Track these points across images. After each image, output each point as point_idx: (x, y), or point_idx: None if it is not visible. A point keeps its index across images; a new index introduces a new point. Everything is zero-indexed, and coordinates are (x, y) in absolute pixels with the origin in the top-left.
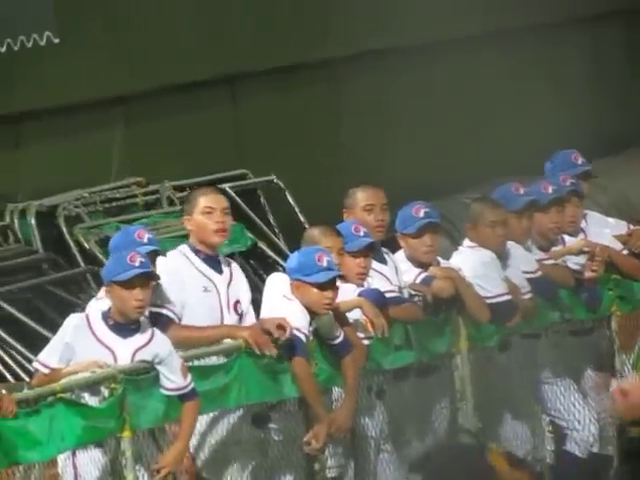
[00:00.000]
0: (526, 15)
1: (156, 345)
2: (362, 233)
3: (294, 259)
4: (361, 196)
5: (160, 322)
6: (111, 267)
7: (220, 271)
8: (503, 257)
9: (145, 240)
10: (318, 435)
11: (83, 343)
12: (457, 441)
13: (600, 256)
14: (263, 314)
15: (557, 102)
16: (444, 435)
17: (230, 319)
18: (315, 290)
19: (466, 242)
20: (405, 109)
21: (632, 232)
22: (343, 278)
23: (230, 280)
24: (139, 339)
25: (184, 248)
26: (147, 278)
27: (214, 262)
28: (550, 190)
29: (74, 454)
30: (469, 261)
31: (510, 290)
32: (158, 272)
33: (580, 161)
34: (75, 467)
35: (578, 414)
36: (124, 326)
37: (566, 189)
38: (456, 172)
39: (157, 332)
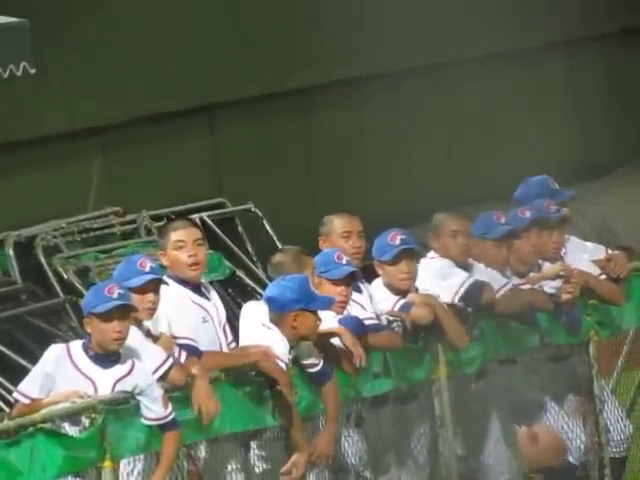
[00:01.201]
0: (504, 40)
1: (137, 376)
2: (344, 261)
3: (288, 290)
4: (338, 223)
5: (191, 353)
6: (90, 299)
7: (208, 298)
8: (467, 269)
9: (147, 269)
10: (297, 464)
11: (64, 373)
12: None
13: (576, 279)
14: (242, 342)
15: (538, 129)
16: (423, 462)
17: (224, 345)
18: (312, 318)
19: (429, 254)
20: (380, 137)
21: (611, 257)
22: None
23: (215, 304)
24: (120, 370)
25: (169, 281)
26: (126, 310)
27: (200, 291)
28: (528, 214)
29: None
30: (428, 269)
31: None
32: (163, 302)
33: (556, 187)
34: None
35: (567, 435)
36: (104, 357)
37: (553, 215)
38: (433, 199)
39: (137, 363)
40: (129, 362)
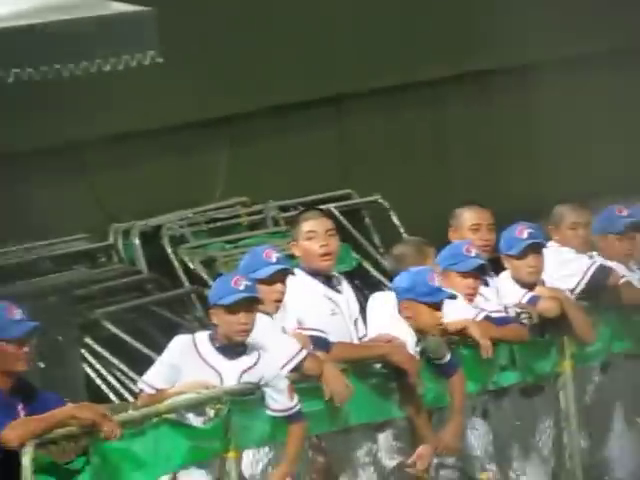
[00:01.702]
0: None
1: (262, 367)
2: (473, 253)
3: (405, 278)
4: (468, 216)
5: (319, 344)
6: (216, 290)
7: (339, 291)
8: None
9: (274, 259)
10: (423, 455)
11: (189, 364)
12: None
13: None
14: (370, 333)
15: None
16: (548, 455)
17: (355, 338)
18: (427, 310)
19: (549, 244)
20: (513, 128)
21: None
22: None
23: (347, 298)
24: (246, 361)
25: (300, 273)
26: (252, 302)
27: (331, 283)
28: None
29: (174, 478)
30: (550, 260)
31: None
32: (290, 293)
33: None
34: None
35: None
36: (230, 348)
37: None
38: (564, 189)
39: (264, 354)
40: (255, 353)
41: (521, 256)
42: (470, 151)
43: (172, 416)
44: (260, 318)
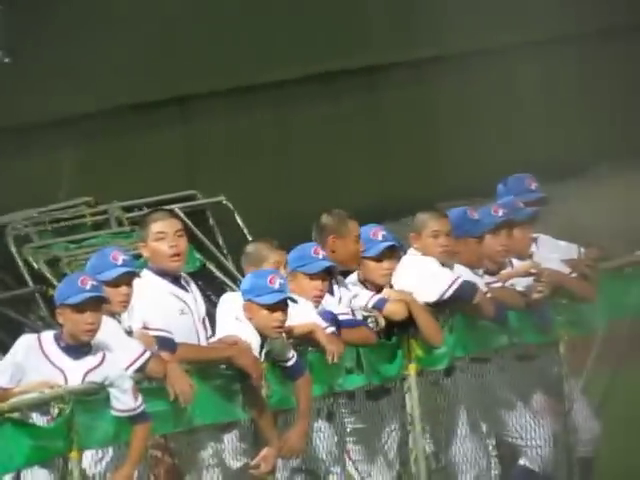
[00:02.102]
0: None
1: (107, 367)
2: (321, 256)
3: (247, 280)
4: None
5: (165, 345)
6: (63, 290)
7: (187, 290)
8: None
9: (120, 262)
10: (267, 458)
11: (34, 364)
12: None
13: (546, 278)
14: (218, 334)
15: (505, 128)
16: (393, 458)
17: (203, 337)
18: (265, 312)
19: (409, 251)
20: (354, 131)
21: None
22: (294, 300)
23: (194, 297)
24: (90, 361)
25: (147, 273)
26: (98, 302)
27: (179, 283)
28: (500, 213)
29: (18, 477)
30: (414, 268)
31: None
32: (136, 294)
33: (533, 186)
34: None
35: (535, 433)
36: (76, 348)
37: (519, 213)
38: (406, 196)
39: (108, 354)
40: (100, 353)
41: (378, 258)
42: (313, 152)
43: (15, 415)
44: (105, 320)
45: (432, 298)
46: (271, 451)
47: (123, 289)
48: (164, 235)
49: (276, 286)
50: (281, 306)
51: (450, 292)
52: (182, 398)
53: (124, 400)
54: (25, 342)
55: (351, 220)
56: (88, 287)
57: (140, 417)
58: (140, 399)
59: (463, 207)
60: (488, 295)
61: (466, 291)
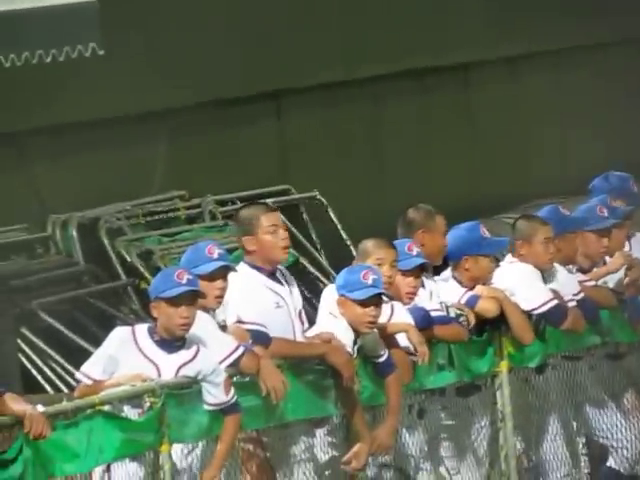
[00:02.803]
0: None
1: (200, 361)
2: (415, 252)
3: (341, 276)
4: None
5: (260, 339)
6: (158, 283)
7: (282, 283)
8: (547, 277)
9: (216, 255)
10: (359, 454)
11: (127, 356)
12: None
13: (637, 265)
14: (313, 330)
15: (597, 127)
16: (483, 455)
17: (299, 331)
18: (358, 307)
19: (508, 258)
20: (450, 128)
21: None
22: (390, 297)
23: (290, 291)
24: (184, 355)
25: (244, 267)
26: (194, 296)
27: (275, 276)
28: (606, 214)
29: (108, 469)
30: (511, 275)
31: (555, 296)
32: (231, 288)
33: (636, 189)
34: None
35: (623, 432)
36: (169, 342)
37: (617, 212)
38: (498, 192)
39: (202, 349)
40: (194, 348)
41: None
42: (407, 148)
43: (107, 408)
44: (199, 314)
45: (524, 308)
46: (363, 447)
47: (219, 283)
48: (275, 228)
49: (369, 281)
50: (374, 301)
51: (542, 310)
52: (274, 394)
53: (216, 394)
54: (119, 335)
55: (438, 215)
56: (184, 281)
57: (232, 409)
58: (232, 393)
59: (553, 205)
60: (577, 310)
61: (556, 315)
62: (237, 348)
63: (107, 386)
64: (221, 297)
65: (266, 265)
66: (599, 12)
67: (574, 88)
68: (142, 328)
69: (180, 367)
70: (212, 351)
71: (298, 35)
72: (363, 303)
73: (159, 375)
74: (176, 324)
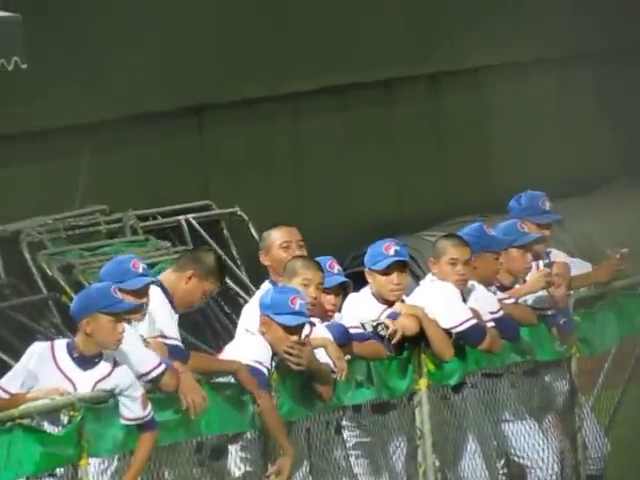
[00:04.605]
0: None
1: (117, 377)
2: (336, 270)
3: (268, 295)
4: (276, 235)
5: (178, 354)
6: (100, 298)
7: None
8: (465, 295)
9: (141, 270)
10: (282, 468)
11: (45, 372)
12: None
13: (560, 272)
14: (231, 345)
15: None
16: (401, 472)
17: None
18: (281, 331)
19: (428, 277)
20: (372, 145)
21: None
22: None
23: None
24: (101, 370)
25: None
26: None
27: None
28: (526, 229)
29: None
30: (431, 294)
31: (474, 315)
32: (153, 303)
33: (547, 206)
34: None
35: (541, 453)
36: (88, 359)
37: (525, 238)
38: (421, 210)
39: (118, 364)
40: (110, 363)
41: (385, 272)
42: (327, 165)
43: (26, 421)
44: (126, 328)
45: (442, 326)
46: (286, 460)
47: (145, 299)
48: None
49: (297, 307)
50: (298, 329)
51: (460, 329)
52: (193, 409)
53: (133, 408)
54: (37, 350)
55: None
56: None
57: (148, 425)
58: (149, 407)
59: (478, 223)
60: (494, 331)
61: (474, 335)
62: (159, 365)
63: (26, 399)
64: (144, 312)
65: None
66: (517, 31)
67: (496, 104)
68: (61, 344)
69: (96, 382)
70: (133, 364)
71: (220, 50)
72: (287, 328)
73: (75, 391)
74: (116, 339)
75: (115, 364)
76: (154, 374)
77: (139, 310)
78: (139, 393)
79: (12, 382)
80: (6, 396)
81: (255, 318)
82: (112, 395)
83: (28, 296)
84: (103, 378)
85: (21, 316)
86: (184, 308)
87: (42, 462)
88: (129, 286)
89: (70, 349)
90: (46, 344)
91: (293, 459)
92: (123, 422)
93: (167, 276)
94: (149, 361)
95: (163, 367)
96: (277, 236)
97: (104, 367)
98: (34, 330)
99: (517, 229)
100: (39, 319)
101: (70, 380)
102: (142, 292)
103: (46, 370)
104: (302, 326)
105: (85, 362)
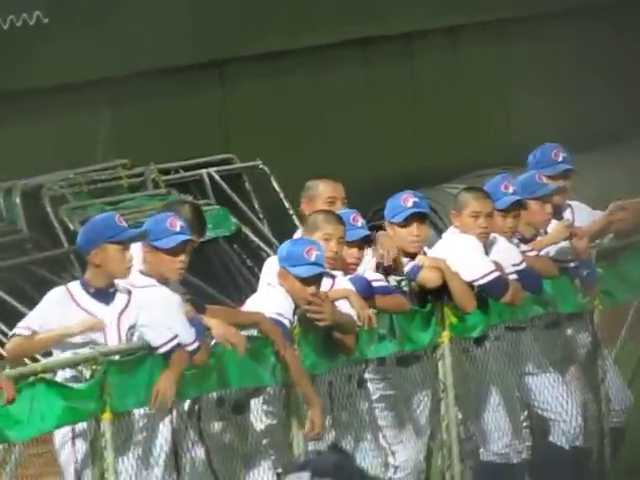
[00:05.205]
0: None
1: (136, 303)
2: (360, 224)
3: (285, 247)
4: (323, 188)
5: (199, 306)
6: (106, 229)
7: None
8: (487, 248)
9: (178, 229)
10: (315, 421)
11: (68, 314)
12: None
13: (583, 231)
14: (253, 299)
15: (546, 95)
16: (424, 425)
17: None
18: (298, 283)
19: (450, 229)
20: (391, 98)
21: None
22: (331, 274)
23: None
24: (120, 302)
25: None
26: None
27: None
28: (545, 180)
29: (74, 430)
30: (453, 246)
31: (497, 268)
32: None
33: (561, 157)
34: (74, 444)
35: (565, 405)
36: (104, 292)
37: (542, 189)
38: (442, 162)
39: (133, 292)
40: (125, 294)
41: (405, 224)
42: (348, 118)
43: (48, 375)
44: (157, 291)
45: (464, 279)
46: (316, 412)
47: (182, 257)
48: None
49: (312, 258)
50: (315, 280)
51: (482, 281)
52: (240, 349)
53: (158, 334)
54: (55, 295)
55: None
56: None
57: (178, 347)
58: (174, 331)
59: (498, 178)
60: (517, 284)
61: (496, 287)
62: (194, 341)
63: (63, 334)
64: (183, 270)
65: None
66: None
67: (518, 58)
68: (75, 284)
69: (120, 315)
70: (158, 329)
71: (242, 2)
72: (303, 280)
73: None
74: (125, 268)
75: (130, 293)
76: (189, 348)
77: (144, 237)
78: (160, 316)
79: (33, 321)
80: (28, 333)
81: (273, 270)
82: (137, 349)
83: (50, 250)
84: (124, 309)
85: (43, 270)
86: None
87: (64, 416)
88: (162, 245)
89: (85, 286)
90: (61, 288)
91: (321, 407)
92: (160, 352)
93: None
94: (188, 336)
95: (197, 345)
96: (324, 189)
97: (122, 299)
98: (56, 284)
99: (535, 181)
100: (61, 273)
101: (94, 315)
102: (176, 250)
103: (69, 312)
104: (319, 277)
105: (103, 295)
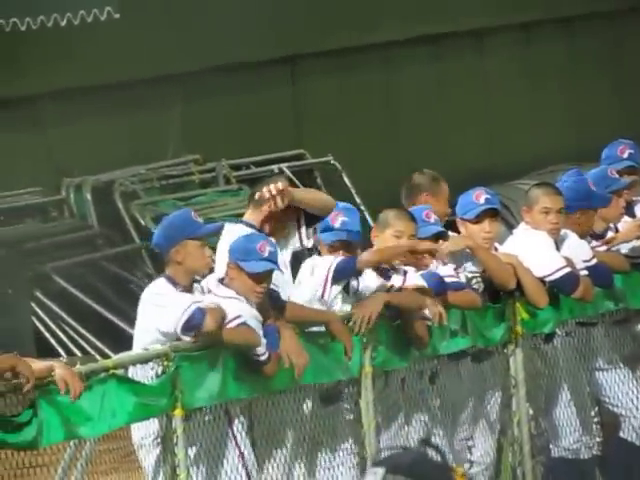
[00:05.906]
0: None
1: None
2: (432, 220)
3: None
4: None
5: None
6: (185, 226)
7: None
8: (558, 244)
9: (266, 254)
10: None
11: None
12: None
13: None
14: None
15: (616, 90)
16: (495, 420)
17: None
18: (249, 278)
19: (522, 225)
20: (462, 94)
21: None
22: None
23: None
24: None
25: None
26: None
27: None
28: (617, 175)
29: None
30: (525, 242)
31: (568, 264)
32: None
33: (627, 154)
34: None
35: (636, 401)
36: (187, 289)
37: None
38: (514, 158)
39: (215, 298)
40: (200, 292)
41: (476, 221)
42: (419, 114)
43: (120, 372)
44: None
45: (536, 275)
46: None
47: (263, 284)
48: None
49: (265, 254)
50: (267, 275)
51: (553, 277)
52: (297, 370)
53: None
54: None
55: (443, 181)
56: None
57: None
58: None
59: (576, 171)
60: (588, 280)
61: (568, 283)
62: (265, 353)
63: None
64: (262, 295)
65: None
66: None
67: (585, 54)
68: (161, 282)
69: None
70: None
71: (313, 2)
72: (255, 276)
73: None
74: (205, 263)
75: (202, 291)
76: (261, 359)
77: (220, 231)
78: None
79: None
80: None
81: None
82: (205, 347)
83: (121, 246)
84: None
85: (114, 266)
86: (278, 237)
87: (135, 413)
88: (248, 268)
89: (174, 284)
90: (161, 281)
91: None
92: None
93: (249, 216)
94: (260, 347)
95: (267, 355)
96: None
97: (200, 297)
98: (127, 280)
99: (608, 175)
100: (132, 269)
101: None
102: (260, 277)
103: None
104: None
105: (189, 292)
